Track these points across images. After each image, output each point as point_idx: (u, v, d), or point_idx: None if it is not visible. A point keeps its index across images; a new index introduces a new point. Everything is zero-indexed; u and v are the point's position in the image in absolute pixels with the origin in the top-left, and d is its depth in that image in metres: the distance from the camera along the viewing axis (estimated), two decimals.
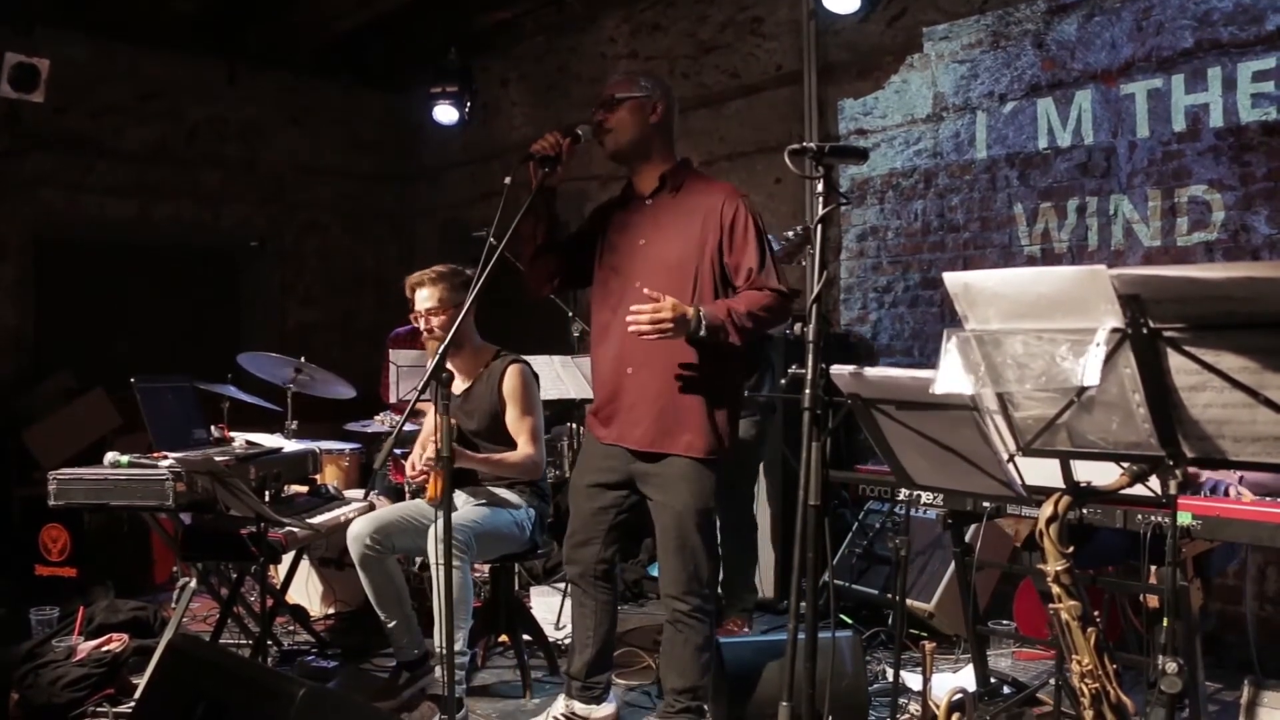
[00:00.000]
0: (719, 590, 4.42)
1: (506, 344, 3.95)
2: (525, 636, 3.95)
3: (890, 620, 4.20)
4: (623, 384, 3.09)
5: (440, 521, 2.77)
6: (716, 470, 3.05)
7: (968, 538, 3.44)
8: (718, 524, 4.36)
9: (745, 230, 2.99)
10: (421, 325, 3.75)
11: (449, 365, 3.79)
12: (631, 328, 2.83)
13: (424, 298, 3.73)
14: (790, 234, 4.26)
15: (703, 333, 2.84)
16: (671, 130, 3.17)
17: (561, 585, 4.44)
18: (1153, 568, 2.89)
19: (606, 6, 6.99)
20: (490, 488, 3.76)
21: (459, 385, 3.83)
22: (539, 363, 4.92)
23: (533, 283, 3.28)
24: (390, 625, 3.66)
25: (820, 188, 2.21)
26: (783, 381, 2.33)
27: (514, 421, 3.73)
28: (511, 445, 3.72)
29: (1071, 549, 2.01)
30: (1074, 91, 4.81)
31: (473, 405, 3.76)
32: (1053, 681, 3.07)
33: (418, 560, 4.38)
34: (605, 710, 3.30)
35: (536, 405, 3.78)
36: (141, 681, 3.34)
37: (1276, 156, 4.20)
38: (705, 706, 3.12)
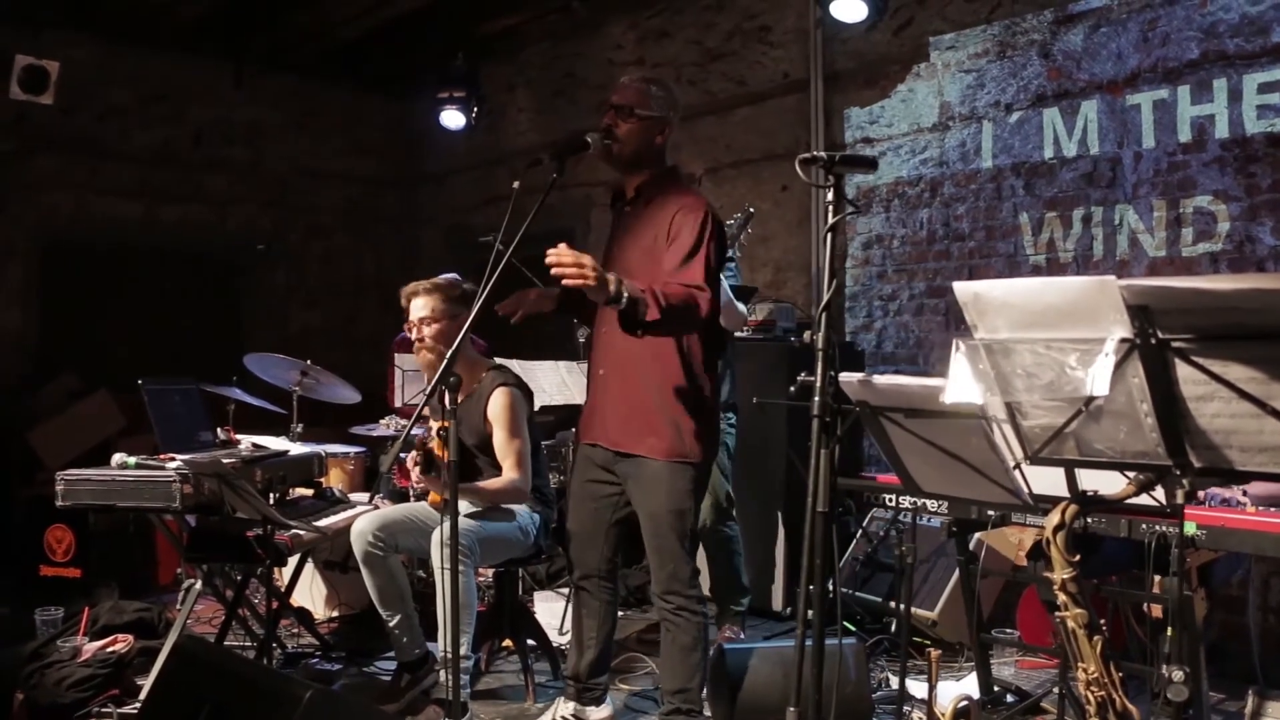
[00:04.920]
0: (709, 596, 4.42)
1: (513, 349, 3.95)
2: (529, 641, 3.96)
3: (893, 627, 4.21)
4: (600, 387, 3.18)
5: (444, 526, 2.78)
6: (692, 473, 3.06)
7: (972, 546, 3.45)
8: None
9: (686, 231, 2.96)
10: (413, 335, 3.71)
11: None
12: (554, 269, 2.74)
13: (418, 306, 3.70)
14: (730, 221, 4.22)
15: (623, 299, 2.75)
16: (667, 149, 3.19)
17: (565, 590, 4.44)
18: (1157, 577, 2.90)
19: (613, 13, 7.01)
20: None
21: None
22: (544, 369, 4.95)
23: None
24: (392, 623, 3.66)
25: (830, 197, 2.22)
26: (792, 389, 2.33)
27: (501, 445, 3.67)
28: (497, 462, 3.70)
29: (1078, 557, 2.02)
30: (1080, 101, 4.83)
31: (463, 419, 3.74)
32: (1056, 690, 3.08)
33: (431, 564, 4.38)
34: (604, 711, 3.35)
35: (522, 428, 3.70)
36: (146, 682, 3.35)
37: None
38: (698, 709, 3.12)
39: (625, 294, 2.72)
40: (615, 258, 3.14)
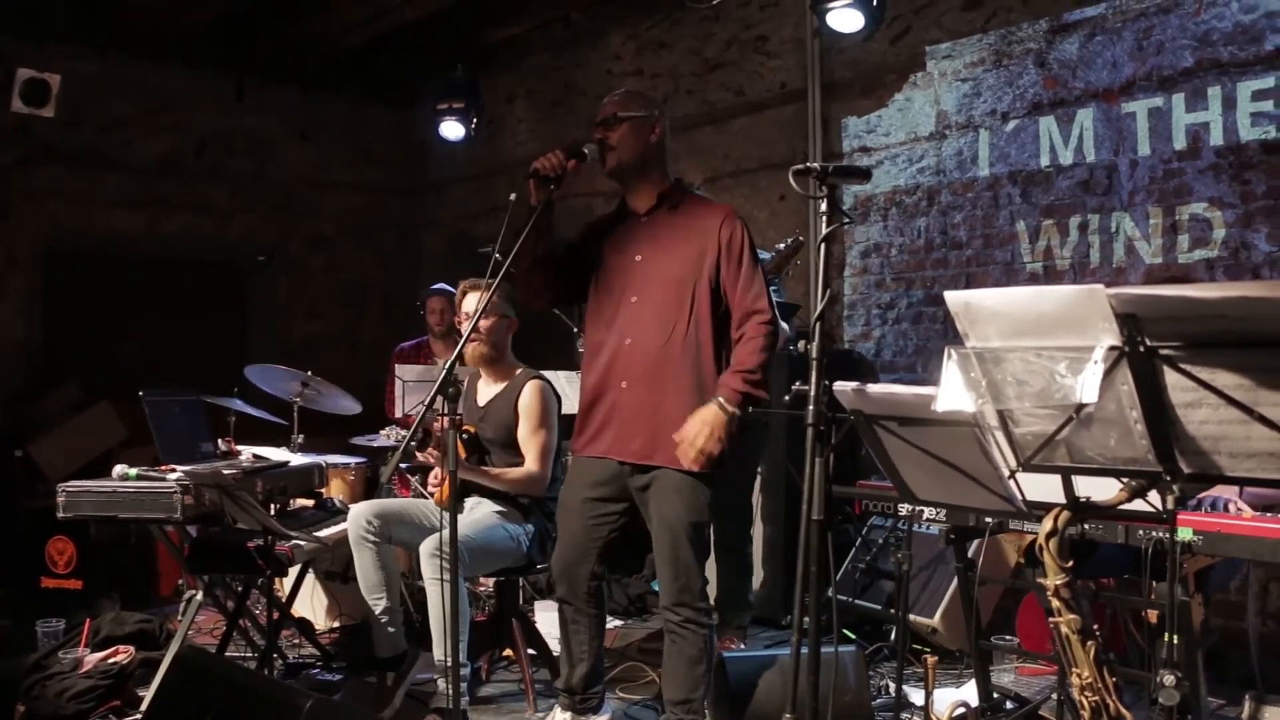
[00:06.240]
0: (714, 606, 4.43)
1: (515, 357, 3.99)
2: (529, 650, 3.97)
3: (892, 635, 4.22)
4: (617, 398, 3.11)
5: (440, 535, 2.80)
6: (710, 484, 3.06)
7: (970, 553, 3.46)
8: (712, 540, 4.39)
9: (741, 252, 3.04)
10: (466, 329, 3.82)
11: (483, 375, 3.91)
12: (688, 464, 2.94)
13: (473, 301, 3.84)
14: (781, 245, 4.25)
15: (739, 413, 2.92)
16: (666, 150, 3.21)
17: None
18: (1154, 582, 2.91)
19: (613, 24, 7.05)
20: (492, 501, 3.79)
21: (484, 394, 3.90)
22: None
23: (528, 295, 3.33)
24: (377, 610, 3.68)
25: (824, 207, 2.23)
26: (786, 398, 2.34)
27: (525, 437, 3.78)
28: (523, 458, 3.77)
29: (1071, 563, 2.03)
30: (1076, 110, 4.85)
31: (491, 415, 3.85)
32: (1055, 696, 3.09)
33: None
34: (602, 718, 3.37)
35: (551, 424, 3.81)
36: (147, 694, 3.36)
37: (1276, 175, 4.23)
38: (701, 719, 3.14)
39: (738, 409, 2.91)
40: (645, 269, 3.11)
